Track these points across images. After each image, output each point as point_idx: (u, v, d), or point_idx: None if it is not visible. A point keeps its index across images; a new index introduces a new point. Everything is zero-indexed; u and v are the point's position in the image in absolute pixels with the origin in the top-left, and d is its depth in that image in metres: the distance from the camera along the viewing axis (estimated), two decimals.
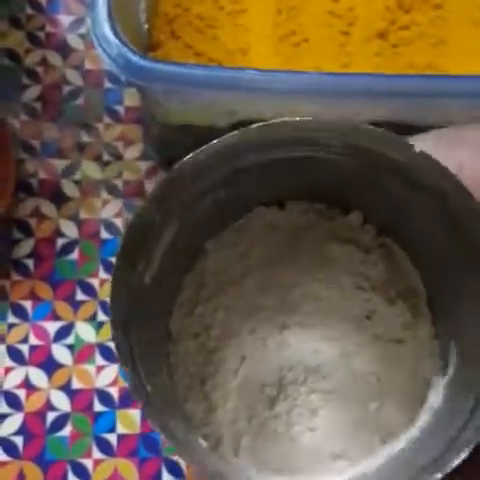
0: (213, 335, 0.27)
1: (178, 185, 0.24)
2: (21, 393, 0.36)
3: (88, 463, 0.35)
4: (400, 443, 0.26)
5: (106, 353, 0.37)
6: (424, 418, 0.26)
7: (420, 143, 0.23)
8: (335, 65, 0.36)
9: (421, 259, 0.27)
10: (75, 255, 0.39)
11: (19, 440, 0.35)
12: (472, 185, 0.22)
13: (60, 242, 0.39)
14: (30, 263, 0.38)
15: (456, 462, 0.21)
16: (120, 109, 0.42)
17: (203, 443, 0.25)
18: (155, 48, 0.37)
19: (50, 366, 0.37)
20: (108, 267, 0.38)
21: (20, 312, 0.37)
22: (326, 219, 0.28)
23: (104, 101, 0.42)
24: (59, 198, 0.40)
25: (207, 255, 0.28)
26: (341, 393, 0.26)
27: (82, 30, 0.43)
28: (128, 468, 0.35)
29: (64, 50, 0.43)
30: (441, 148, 0.23)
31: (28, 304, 0.38)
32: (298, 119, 0.23)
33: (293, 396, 0.26)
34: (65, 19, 0.44)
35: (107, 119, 0.42)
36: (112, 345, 0.36)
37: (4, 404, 0.36)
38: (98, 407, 0.36)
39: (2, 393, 0.36)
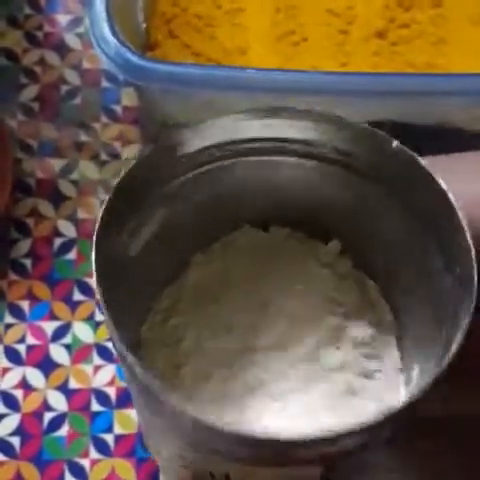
0: (182, 350, 0.26)
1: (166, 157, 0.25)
2: (18, 393, 0.36)
3: (85, 463, 0.35)
4: None
5: (103, 353, 0.37)
6: None
7: None
8: (334, 64, 0.36)
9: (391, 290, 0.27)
10: (73, 255, 0.39)
11: (16, 440, 0.35)
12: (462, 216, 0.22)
13: (58, 242, 0.39)
14: (28, 263, 0.38)
15: None
16: (118, 109, 0.42)
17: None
18: (153, 47, 0.37)
19: (47, 366, 0.36)
20: None
21: (17, 312, 0.37)
22: (306, 247, 0.28)
23: (102, 101, 0.42)
24: (57, 198, 0.40)
25: (190, 269, 0.28)
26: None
27: (80, 29, 0.43)
28: (125, 468, 0.35)
29: (62, 50, 0.43)
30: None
31: (25, 304, 0.37)
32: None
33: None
34: (63, 18, 0.44)
35: (105, 119, 0.42)
36: (110, 345, 0.36)
37: (1, 404, 0.36)
38: (95, 407, 0.36)
39: None
